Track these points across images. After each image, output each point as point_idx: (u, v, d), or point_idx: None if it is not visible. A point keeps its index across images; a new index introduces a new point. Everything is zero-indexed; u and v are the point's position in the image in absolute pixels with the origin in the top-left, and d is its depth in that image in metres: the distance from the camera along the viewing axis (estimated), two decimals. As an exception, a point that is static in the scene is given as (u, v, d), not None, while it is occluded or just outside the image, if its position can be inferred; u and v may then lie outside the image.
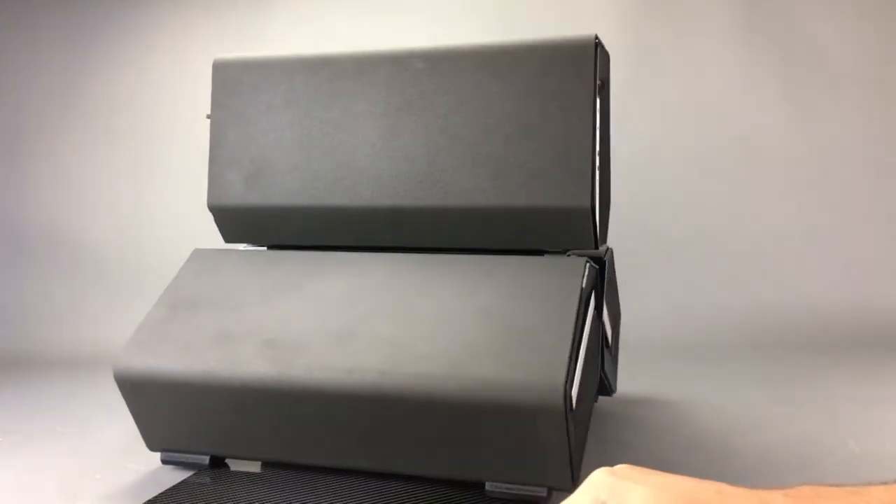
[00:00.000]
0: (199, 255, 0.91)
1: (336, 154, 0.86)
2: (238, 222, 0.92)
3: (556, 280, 0.78)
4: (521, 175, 0.81)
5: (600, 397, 1.11)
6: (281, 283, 0.84)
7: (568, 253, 0.86)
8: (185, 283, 0.86)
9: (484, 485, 0.75)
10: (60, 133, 1.92)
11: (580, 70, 0.80)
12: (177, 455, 0.83)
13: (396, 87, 0.84)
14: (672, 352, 1.57)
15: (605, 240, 0.92)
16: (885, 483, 0.40)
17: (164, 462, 0.85)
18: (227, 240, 0.95)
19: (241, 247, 0.95)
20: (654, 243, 1.85)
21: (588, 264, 0.80)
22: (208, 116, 0.92)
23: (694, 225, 1.89)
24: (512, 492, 0.74)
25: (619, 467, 0.45)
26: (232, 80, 0.90)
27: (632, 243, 1.80)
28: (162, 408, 0.80)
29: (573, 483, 0.72)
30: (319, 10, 1.92)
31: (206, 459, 0.82)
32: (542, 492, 0.73)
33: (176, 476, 0.82)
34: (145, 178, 1.90)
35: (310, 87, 0.87)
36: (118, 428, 1.06)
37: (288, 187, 0.87)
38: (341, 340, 0.76)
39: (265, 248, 0.94)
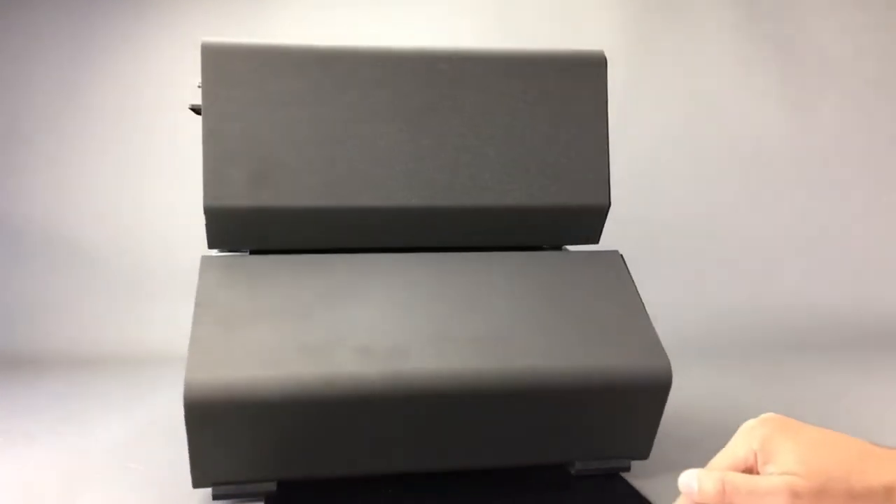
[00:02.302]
0: (213, 264, 0.82)
1: (362, 153, 0.82)
2: (239, 225, 0.83)
3: (603, 273, 0.84)
4: (545, 175, 0.84)
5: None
6: (337, 289, 0.80)
7: (563, 248, 0.90)
8: (217, 294, 0.78)
9: (565, 465, 0.80)
10: (59, 132, 1.92)
11: (595, 80, 0.86)
12: (234, 487, 0.74)
13: (421, 87, 0.83)
14: (671, 352, 1.56)
15: None
16: None
17: (217, 497, 0.74)
18: (214, 244, 0.84)
19: (215, 252, 0.86)
20: (653, 243, 1.85)
21: (623, 257, 0.87)
22: (193, 108, 0.83)
23: (693, 225, 1.89)
24: (600, 467, 0.80)
25: (767, 416, 0.47)
26: (227, 68, 0.81)
27: (631, 243, 1.80)
28: (234, 432, 0.72)
29: (650, 451, 0.80)
30: (317, 8, 1.92)
31: (272, 486, 0.75)
32: (627, 463, 0.80)
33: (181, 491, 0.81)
34: (145, 178, 1.90)
35: (327, 82, 0.82)
36: (118, 428, 1.06)
37: (307, 187, 0.81)
38: (439, 342, 0.75)
39: (247, 252, 0.86)
